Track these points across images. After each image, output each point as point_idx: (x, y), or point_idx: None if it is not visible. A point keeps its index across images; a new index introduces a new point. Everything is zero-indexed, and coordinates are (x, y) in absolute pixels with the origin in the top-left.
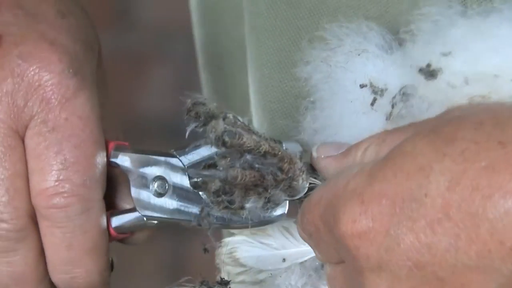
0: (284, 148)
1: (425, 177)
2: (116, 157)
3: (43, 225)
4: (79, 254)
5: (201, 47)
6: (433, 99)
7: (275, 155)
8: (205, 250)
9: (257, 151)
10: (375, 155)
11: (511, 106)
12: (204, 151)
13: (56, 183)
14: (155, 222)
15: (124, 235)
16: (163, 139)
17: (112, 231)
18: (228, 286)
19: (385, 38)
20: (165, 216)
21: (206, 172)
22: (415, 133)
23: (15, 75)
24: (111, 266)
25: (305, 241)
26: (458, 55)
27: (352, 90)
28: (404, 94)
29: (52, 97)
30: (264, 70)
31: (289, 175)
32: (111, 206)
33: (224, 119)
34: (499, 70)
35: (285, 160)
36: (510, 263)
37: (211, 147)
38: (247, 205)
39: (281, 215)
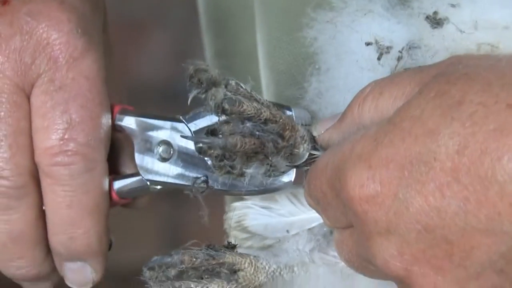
0: (292, 114)
1: (433, 141)
2: (121, 120)
3: (45, 183)
4: (80, 213)
5: (204, 9)
6: (439, 47)
7: (276, 122)
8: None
9: (258, 118)
10: (374, 109)
11: None
12: (212, 117)
13: (61, 142)
14: (158, 187)
15: (126, 200)
16: (163, 104)
17: (114, 195)
18: (235, 250)
19: (390, 0)
20: (168, 180)
21: (206, 139)
22: (420, 94)
23: (24, 33)
24: (109, 246)
25: (312, 207)
26: (466, 6)
27: (358, 50)
28: (411, 47)
29: (60, 56)
30: (272, 31)
31: (290, 142)
32: (114, 171)
33: (226, 86)
34: (508, 22)
35: (287, 128)
36: None
37: (211, 114)
38: (249, 171)
39: (288, 183)
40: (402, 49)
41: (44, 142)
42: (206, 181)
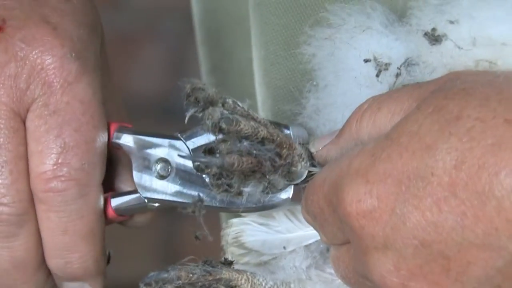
0: (290, 132)
1: (431, 156)
2: (119, 138)
3: (39, 209)
4: (75, 239)
5: (199, 23)
6: (437, 64)
7: (273, 141)
8: (196, 237)
9: (255, 137)
10: (371, 125)
11: None
12: (209, 135)
13: (54, 167)
14: (156, 204)
15: (123, 218)
16: (158, 118)
17: (112, 212)
18: (232, 266)
19: (388, 18)
20: (166, 198)
21: (203, 159)
22: (418, 109)
23: (18, 59)
24: (108, 259)
25: (309, 224)
26: (464, 23)
27: (356, 67)
28: (409, 64)
29: (54, 80)
30: (269, 47)
31: (288, 160)
32: (112, 188)
33: (223, 105)
34: (506, 39)
35: (284, 146)
36: None
37: (208, 134)
38: (246, 189)
39: (286, 200)
40: (401, 65)
41: (39, 167)
42: (201, 201)
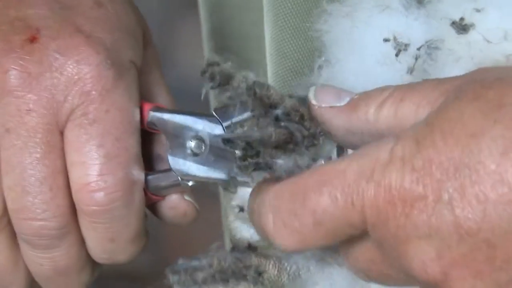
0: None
1: (477, 143)
2: (154, 118)
3: (84, 220)
4: (122, 245)
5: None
6: (462, 54)
7: (297, 110)
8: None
9: (282, 105)
10: (393, 114)
11: None
12: (243, 111)
13: (99, 177)
14: (190, 183)
15: (158, 198)
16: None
17: (147, 193)
18: (257, 252)
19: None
20: (200, 174)
21: (240, 133)
22: (456, 98)
23: (53, 70)
24: None
25: None
26: (492, 12)
27: (373, 46)
28: (429, 47)
29: (93, 89)
30: (285, 21)
31: (311, 131)
32: (146, 167)
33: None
34: None
35: (305, 118)
36: None
37: (240, 107)
38: (279, 161)
39: None
40: (420, 47)
41: (82, 179)
42: (234, 177)
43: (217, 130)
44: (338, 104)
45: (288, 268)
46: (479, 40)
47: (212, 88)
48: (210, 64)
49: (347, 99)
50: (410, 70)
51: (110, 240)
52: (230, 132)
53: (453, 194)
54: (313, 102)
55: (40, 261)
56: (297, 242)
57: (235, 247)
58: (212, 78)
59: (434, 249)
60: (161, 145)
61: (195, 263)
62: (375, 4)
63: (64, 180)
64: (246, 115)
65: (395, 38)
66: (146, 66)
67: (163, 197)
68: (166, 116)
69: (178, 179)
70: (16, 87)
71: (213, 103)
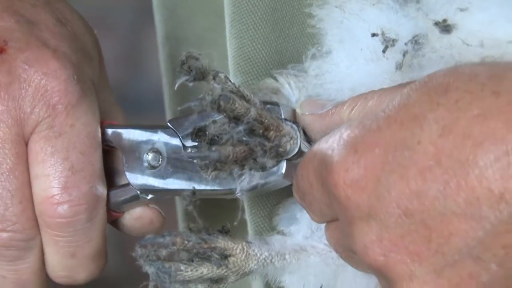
0: (280, 110)
1: (418, 125)
2: (108, 134)
3: (46, 233)
4: (83, 261)
5: None
6: (444, 53)
7: (262, 122)
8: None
9: (246, 117)
10: (362, 110)
11: (508, 62)
12: (198, 121)
13: (63, 190)
14: (149, 196)
15: (118, 214)
16: None
17: (108, 210)
18: (228, 235)
19: None
20: (159, 186)
21: (198, 154)
22: (408, 84)
23: (22, 81)
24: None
25: (298, 202)
26: (474, 14)
27: (363, 39)
28: (416, 42)
29: (59, 103)
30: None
31: (275, 142)
32: (108, 184)
33: (214, 78)
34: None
35: (271, 128)
36: (498, 210)
37: (197, 117)
38: (239, 172)
39: (279, 176)
40: (408, 42)
41: (46, 191)
42: (193, 193)
43: (174, 141)
44: (319, 112)
45: (258, 255)
46: (459, 42)
47: (186, 81)
48: (190, 57)
49: (328, 107)
50: (399, 66)
51: (71, 255)
52: (186, 152)
53: (392, 175)
54: (298, 111)
55: (4, 273)
56: None
57: (205, 228)
58: (189, 71)
59: (374, 230)
60: (119, 160)
61: (159, 239)
62: None
63: (30, 192)
64: (202, 124)
65: (383, 33)
66: (99, 85)
67: (123, 213)
68: (121, 131)
69: (137, 193)
70: None
71: (168, 115)
